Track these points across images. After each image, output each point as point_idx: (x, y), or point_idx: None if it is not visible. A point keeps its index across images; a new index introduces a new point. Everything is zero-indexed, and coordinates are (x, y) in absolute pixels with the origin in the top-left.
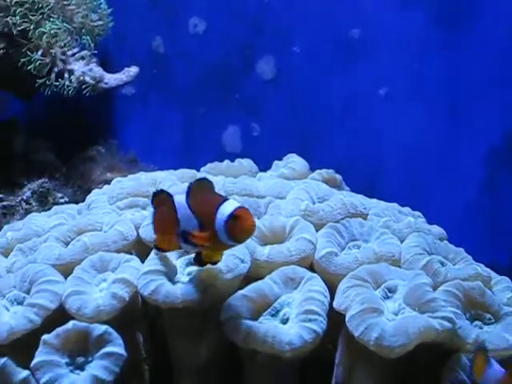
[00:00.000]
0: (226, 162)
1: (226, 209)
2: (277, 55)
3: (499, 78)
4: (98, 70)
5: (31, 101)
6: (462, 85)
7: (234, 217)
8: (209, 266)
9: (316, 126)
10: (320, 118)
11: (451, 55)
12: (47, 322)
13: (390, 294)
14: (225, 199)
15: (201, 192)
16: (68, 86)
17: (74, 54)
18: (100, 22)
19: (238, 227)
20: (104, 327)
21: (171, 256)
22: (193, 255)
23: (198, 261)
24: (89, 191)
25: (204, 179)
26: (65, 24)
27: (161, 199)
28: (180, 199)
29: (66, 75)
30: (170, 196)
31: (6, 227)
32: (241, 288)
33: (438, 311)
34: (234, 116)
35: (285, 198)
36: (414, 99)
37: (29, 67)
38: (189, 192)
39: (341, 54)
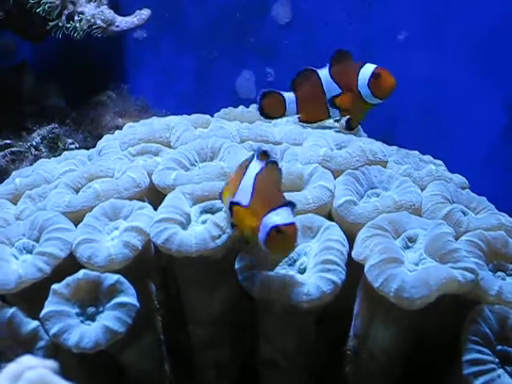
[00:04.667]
0: (241, 107)
1: (367, 70)
2: None
3: None
4: (108, 13)
5: (42, 44)
6: (485, 30)
7: (375, 75)
8: (224, 212)
9: None
10: None
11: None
12: (57, 271)
13: (410, 244)
14: (364, 63)
15: (340, 62)
16: (78, 29)
17: None
18: None
19: (381, 83)
20: (116, 276)
21: (184, 203)
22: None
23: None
24: (99, 137)
25: (341, 50)
26: None
27: (305, 76)
28: (323, 72)
29: (77, 17)
30: (313, 71)
31: (14, 173)
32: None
33: (460, 262)
34: (249, 61)
35: (301, 144)
36: (434, 44)
37: (38, 10)
38: (331, 64)
39: None
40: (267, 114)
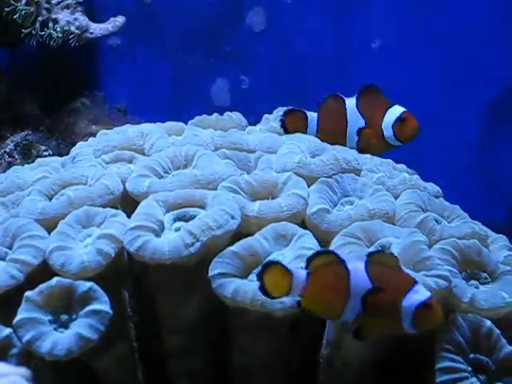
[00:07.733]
0: (215, 115)
1: (395, 112)
2: (267, 6)
3: (500, 31)
4: (83, 20)
5: (16, 50)
6: (459, 38)
7: (402, 119)
8: (197, 220)
9: (307, 79)
10: (311, 71)
11: (449, 4)
12: (30, 278)
13: None
14: (393, 104)
15: (369, 96)
16: (53, 36)
17: (58, 3)
18: None
19: (406, 128)
20: (89, 284)
21: (158, 211)
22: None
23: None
24: (73, 144)
25: (372, 85)
26: None
27: (331, 101)
28: (350, 101)
29: (51, 25)
30: (341, 98)
31: None
32: (230, 244)
33: (434, 269)
34: (223, 68)
35: (275, 152)
36: (408, 52)
37: (14, 17)
38: (358, 95)
39: (333, 5)
40: (289, 131)
